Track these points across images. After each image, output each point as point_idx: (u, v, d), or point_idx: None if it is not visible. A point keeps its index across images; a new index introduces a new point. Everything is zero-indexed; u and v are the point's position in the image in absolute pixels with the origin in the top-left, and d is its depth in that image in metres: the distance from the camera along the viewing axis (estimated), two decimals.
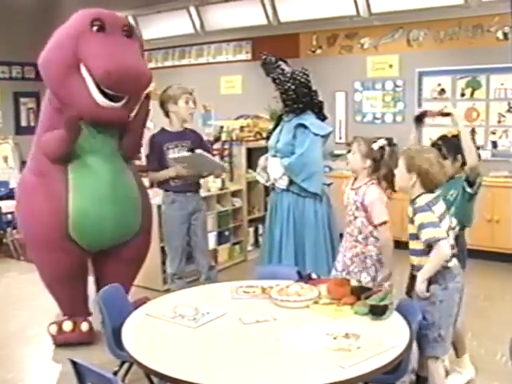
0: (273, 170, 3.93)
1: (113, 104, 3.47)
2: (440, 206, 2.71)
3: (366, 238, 3.18)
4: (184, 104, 4.02)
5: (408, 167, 2.68)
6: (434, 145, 3.20)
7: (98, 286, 3.87)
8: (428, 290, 2.67)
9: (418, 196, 2.68)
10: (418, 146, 2.88)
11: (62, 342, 3.81)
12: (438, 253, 2.62)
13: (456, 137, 3.08)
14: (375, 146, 3.15)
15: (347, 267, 3.24)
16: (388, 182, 3.15)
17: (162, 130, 4.12)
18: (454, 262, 2.72)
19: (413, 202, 2.70)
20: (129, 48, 3.50)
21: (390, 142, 3.24)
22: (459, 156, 3.10)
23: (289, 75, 3.81)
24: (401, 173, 2.73)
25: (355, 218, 3.20)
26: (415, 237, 2.69)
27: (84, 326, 3.75)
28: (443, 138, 3.26)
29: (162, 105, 4.06)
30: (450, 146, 3.11)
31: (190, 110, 4.08)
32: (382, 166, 3.14)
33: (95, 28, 3.42)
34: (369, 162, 3.15)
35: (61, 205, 3.56)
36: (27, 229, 3.79)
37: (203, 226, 4.26)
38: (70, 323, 3.80)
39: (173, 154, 3.98)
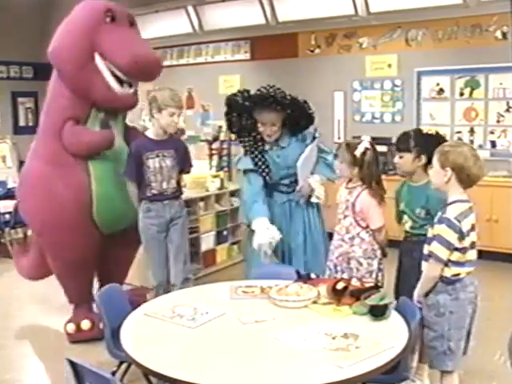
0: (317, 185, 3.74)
1: (127, 91, 3.67)
2: (471, 218, 2.52)
3: (352, 239, 3.18)
4: (167, 116, 3.60)
5: (442, 163, 2.52)
6: (404, 134, 3.10)
7: (100, 273, 4.02)
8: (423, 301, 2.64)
9: (453, 202, 2.52)
10: (451, 141, 2.76)
11: (78, 340, 3.87)
12: (428, 270, 2.59)
13: (431, 136, 2.97)
14: (358, 153, 3.12)
15: (335, 267, 3.24)
16: (378, 184, 3.15)
17: (144, 136, 3.76)
18: (467, 272, 2.57)
19: (449, 205, 2.54)
20: (139, 37, 3.81)
21: (372, 143, 3.16)
22: (423, 156, 2.95)
23: (289, 97, 3.56)
24: (435, 170, 2.58)
25: (345, 217, 3.20)
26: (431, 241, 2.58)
27: (102, 324, 3.76)
28: (417, 131, 3.17)
29: (149, 104, 3.67)
30: (419, 141, 2.98)
31: (172, 124, 3.64)
32: (368, 170, 3.11)
33: (108, 19, 3.61)
34: (356, 169, 3.15)
35: (84, 192, 3.66)
36: (44, 214, 3.73)
37: (181, 233, 3.83)
38: (88, 322, 3.88)
39: (152, 163, 3.63)
